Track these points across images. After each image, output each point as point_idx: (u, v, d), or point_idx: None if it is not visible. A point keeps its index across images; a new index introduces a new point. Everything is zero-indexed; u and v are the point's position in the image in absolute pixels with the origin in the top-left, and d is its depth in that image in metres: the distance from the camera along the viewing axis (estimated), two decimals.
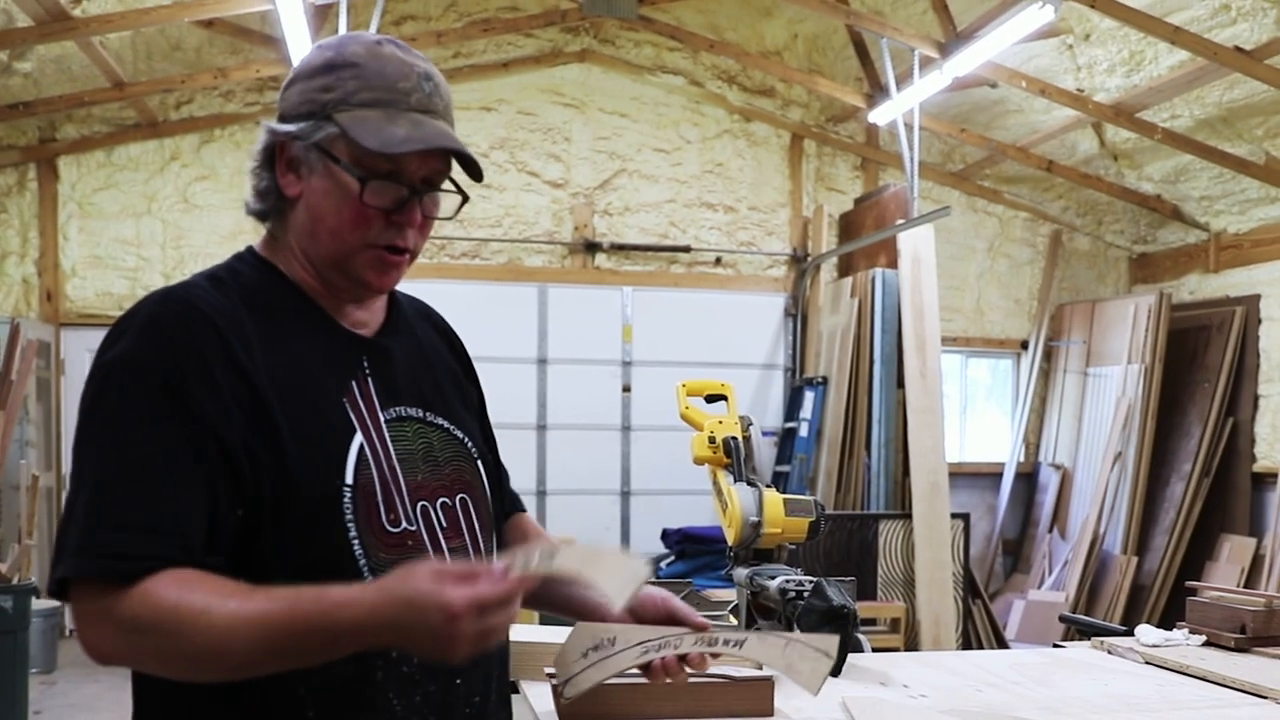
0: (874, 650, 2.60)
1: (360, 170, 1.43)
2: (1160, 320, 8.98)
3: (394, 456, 1.49)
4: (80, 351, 8.63)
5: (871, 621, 6.59)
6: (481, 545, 1.58)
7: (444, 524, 1.52)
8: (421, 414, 1.57)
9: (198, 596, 1.27)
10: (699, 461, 2.84)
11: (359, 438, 1.45)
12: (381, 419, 1.50)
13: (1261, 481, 8.46)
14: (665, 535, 7.08)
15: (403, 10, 8.51)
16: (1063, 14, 7.00)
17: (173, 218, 8.75)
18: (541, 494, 9.03)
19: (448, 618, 1.20)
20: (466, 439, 1.63)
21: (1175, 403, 8.97)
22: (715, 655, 1.59)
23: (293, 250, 1.51)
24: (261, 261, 1.53)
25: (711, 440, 2.80)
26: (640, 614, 1.64)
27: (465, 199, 1.55)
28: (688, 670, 1.59)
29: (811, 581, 2.35)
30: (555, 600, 1.72)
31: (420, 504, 1.49)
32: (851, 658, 2.22)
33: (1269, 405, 8.47)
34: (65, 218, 8.60)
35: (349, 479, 1.42)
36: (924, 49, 7.51)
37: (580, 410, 9.13)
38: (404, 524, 1.46)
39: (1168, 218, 9.50)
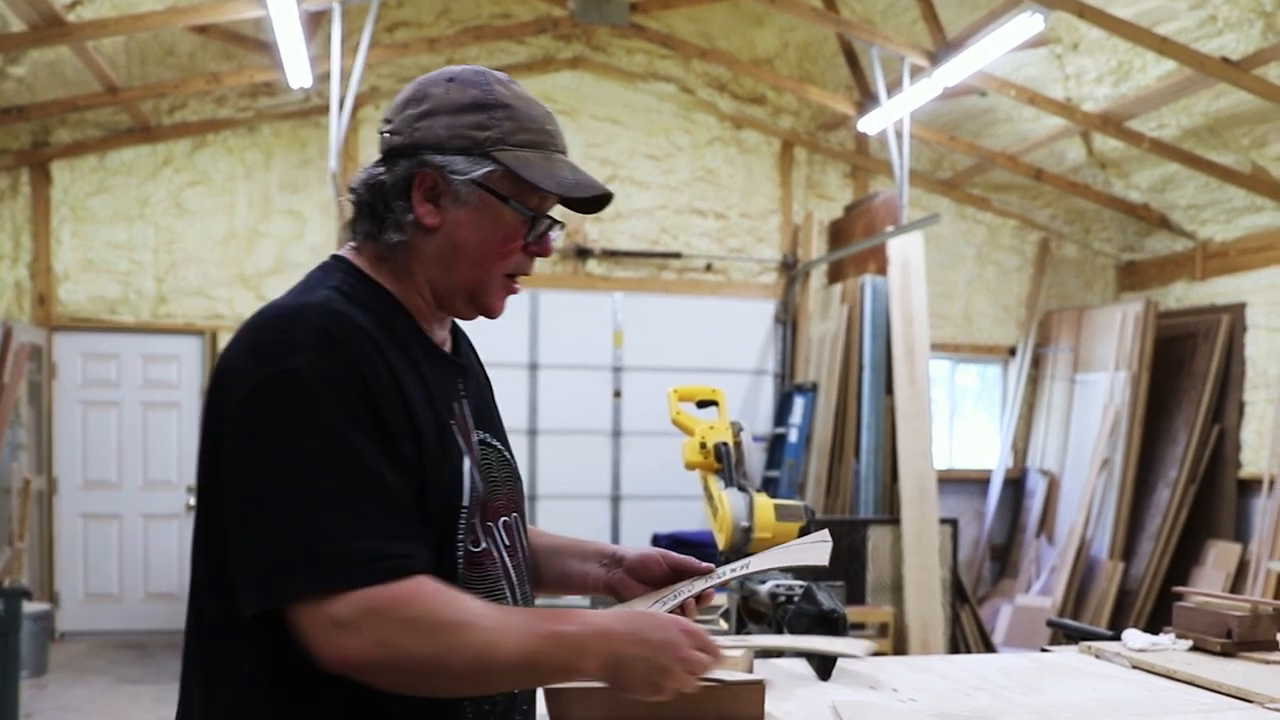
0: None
1: (523, 207, 1.52)
2: (1147, 328, 9.03)
3: (483, 481, 1.55)
4: (72, 355, 8.63)
5: (860, 626, 6.61)
6: (527, 562, 1.67)
7: (507, 543, 1.59)
8: (484, 436, 1.63)
9: (466, 601, 1.34)
10: (690, 466, 2.86)
11: (467, 460, 1.52)
12: (474, 441, 1.58)
13: (1247, 488, 8.51)
14: (656, 540, 7.10)
15: (396, 17, 8.52)
16: (1051, 24, 7.04)
17: (165, 222, 8.75)
18: (532, 499, 9.04)
19: (683, 629, 1.38)
20: (513, 459, 1.70)
21: (1162, 409, 9.02)
22: (725, 584, 1.68)
23: (412, 276, 1.54)
24: (367, 278, 1.54)
25: (703, 445, 2.82)
26: (644, 575, 1.70)
27: (563, 228, 1.62)
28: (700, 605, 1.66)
29: (801, 586, 2.38)
30: (550, 576, 1.80)
31: (488, 524, 1.56)
32: (841, 662, 2.25)
33: (1254, 412, 8.53)
34: (58, 222, 8.60)
35: (465, 501, 1.49)
36: (914, 58, 7.55)
37: (571, 415, 9.15)
38: (484, 544, 1.53)
39: (1155, 226, 9.55)
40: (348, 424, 1.34)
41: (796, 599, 2.34)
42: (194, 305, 8.82)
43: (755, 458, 9.15)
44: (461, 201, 1.50)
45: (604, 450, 9.31)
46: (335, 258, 1.58)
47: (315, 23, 7.53)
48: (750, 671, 2.02)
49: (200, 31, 7.67)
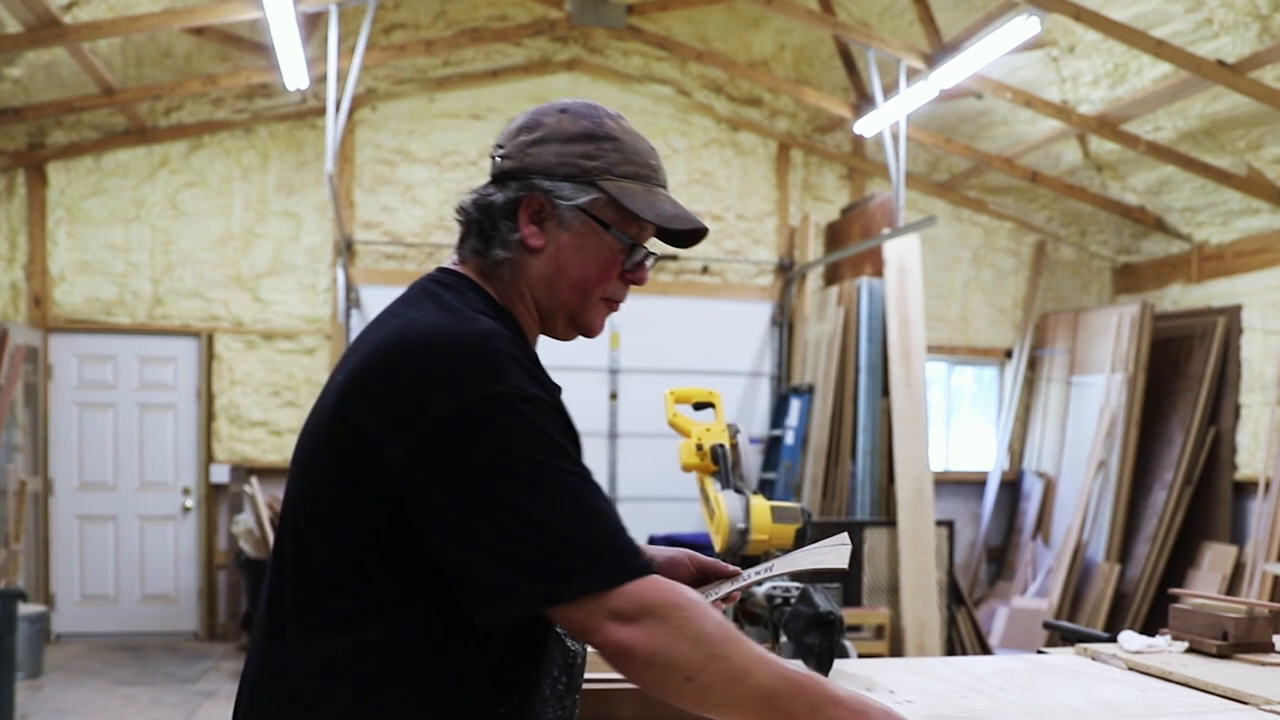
0: (859, 656, 2.62)
1: (624, 235, 1.60)
2: (1143, 330, 9.05)
3: None
4: (68, 356, 8.63)
5: (857, 628, 6.61)
6: None
7: None
8: None
9: (724, 621, 1.41)
10: (687, 468, 2.86)
11: None
12: None
13: (1243, 490, 8.52)
14: (652, 541, 7.07)
15: (392, 19, 8.52)
16: (1048, 26, 7.05)
17: (161, 224, 8.75)
18: None
19: (893, 715, 1.42)
20: None
21: (1158, 412, 9.03)
22: (749, 588, 1.72)
23: (521, 295, 1.62)
24: (492, 300, 1.61)
25: (699, 447, 2.82)
26: (670, 576, 1.70)
27: (656, 259, 1.69)
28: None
29: (798, 588, 2.38)
30: None
31: None
32: (838, 664, 2.25)
33: (1250, 415, 8.54)
34: (54, 223, 8.59)
35: None
36: (910, 60, 7.56)
37: None
38: None
39: (1151, 228, 9.56)
40: (561, 440, 1.44)
41: (793, 601, 2.34)
42: (190, 307, 8.81)
43: (752, 460, 9.15)
44: (565, 225, 1.58)
45: (600, 452, 9.31)
46: (450, 272, 1.63)
47: (312, 24, 7.53)
48: None
49: (196, 33, 7.67)
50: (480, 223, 1.60)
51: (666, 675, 1.38)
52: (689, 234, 1.66)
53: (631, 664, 1.38)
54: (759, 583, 1.66)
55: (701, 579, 1.72)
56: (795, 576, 1.64)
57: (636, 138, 1.63)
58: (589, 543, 1.39)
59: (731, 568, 1.71)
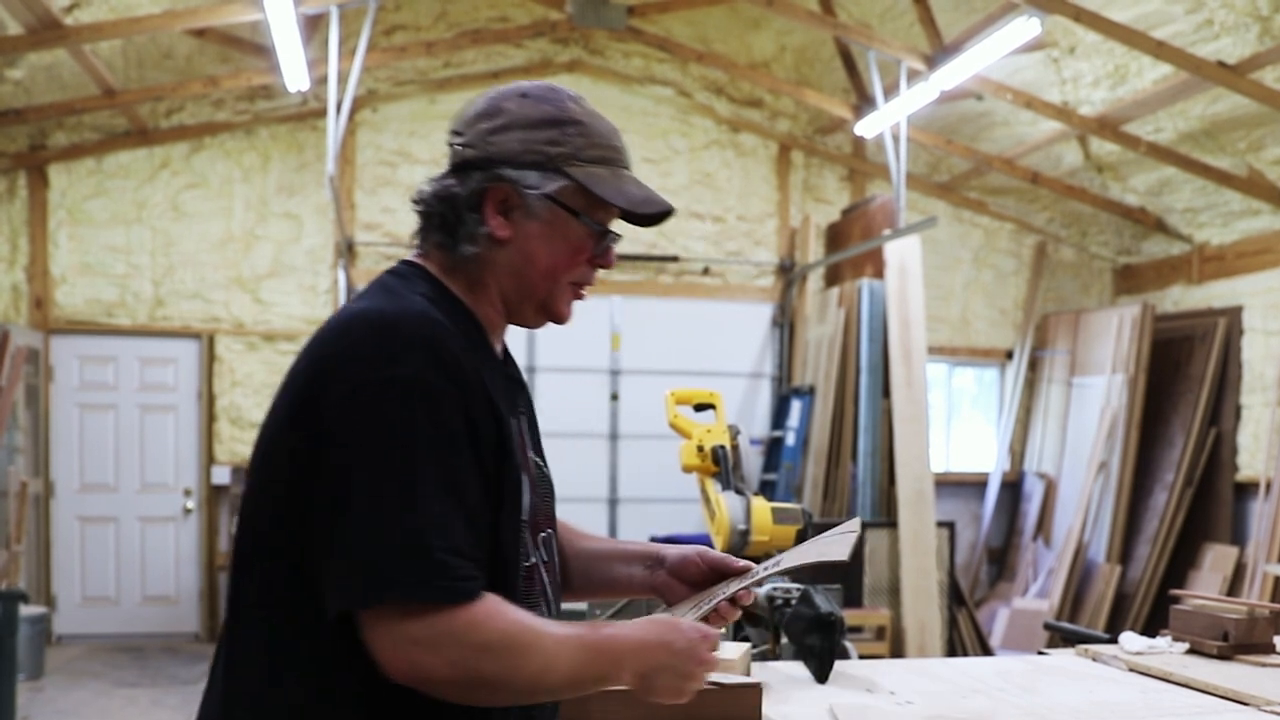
0: (860, 657, 2.63)
1: (592, 221, 1.57)
2: (1144, 331, 9.05)
3: (536, 495, 1.59)
4: (69, 358, 8.63)
5: (857, 629, 6.61)
6: (560, 576, 1.71)
7: (547, 558, 1.63)
8: (532, 452, 1.66)
9: (529, 620, 1.40)
10: (687, 470, 2.87)
11: (526, 477, 1.55)
12: (529, 457, 1.61)
13: (1244, 491, 8.51)
14: (653, 541, 7.09)
15: (393, 20, 8.53)
16: (1048, 28, 7.05)
17: (163, 225, 8.75)
18: None
19: (702, 635, 1.47)
20: (550, 474, 1.73)
21: (1159, 413, 9.03)
22: (760, 584, 1.70)
23: (485, 287, 1.58)
24: (445, 289, 1.57)
25: (700, 449, 2.83)
26: (683, 574, 1.73)
27: (619, 239, 1.67)
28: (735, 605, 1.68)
29: (799, 589, 2.38)
30: (598, 582, 1.83)
31: (536, 538, 1.60)
32: (839, 665, 2.25)
33: (1251, 416, 8.54)
34: (55, 225, 8.60)
35: (525, 515, 1.53)
36: (911, 61, 7.56)
37: (569, 418, 9.15)
38: (532, 558, 1.57)
39: (1151, 229, 9.56)
40: (446, 438, 1.38)
41: (794, 602, 2.35)
42: (191, 308, 8.82)
43: (752, 461, 9.16)
44: (533, 215, 1.55)
45: (601, 453, 9.32)
46: (410, 264, 1.60)
47: (313, 26, 7.53)
48: (748, 674, 2.03)
49: (198, 35, 7.67)
50: (443, 215, 1.56)
51: (472, 692, 1.38)
52: (654, 215, 1.62)
53: (431, 688, 1.36)
54: (772, 576, 1.65)
55: (716, 576, 1.70)
56: (805, 568, 1.61)
57: (599, 119, 1.61)
58: (414, 554, 1.33)
59: (743, 563, 1.70)
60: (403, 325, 1.42)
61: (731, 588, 1.62)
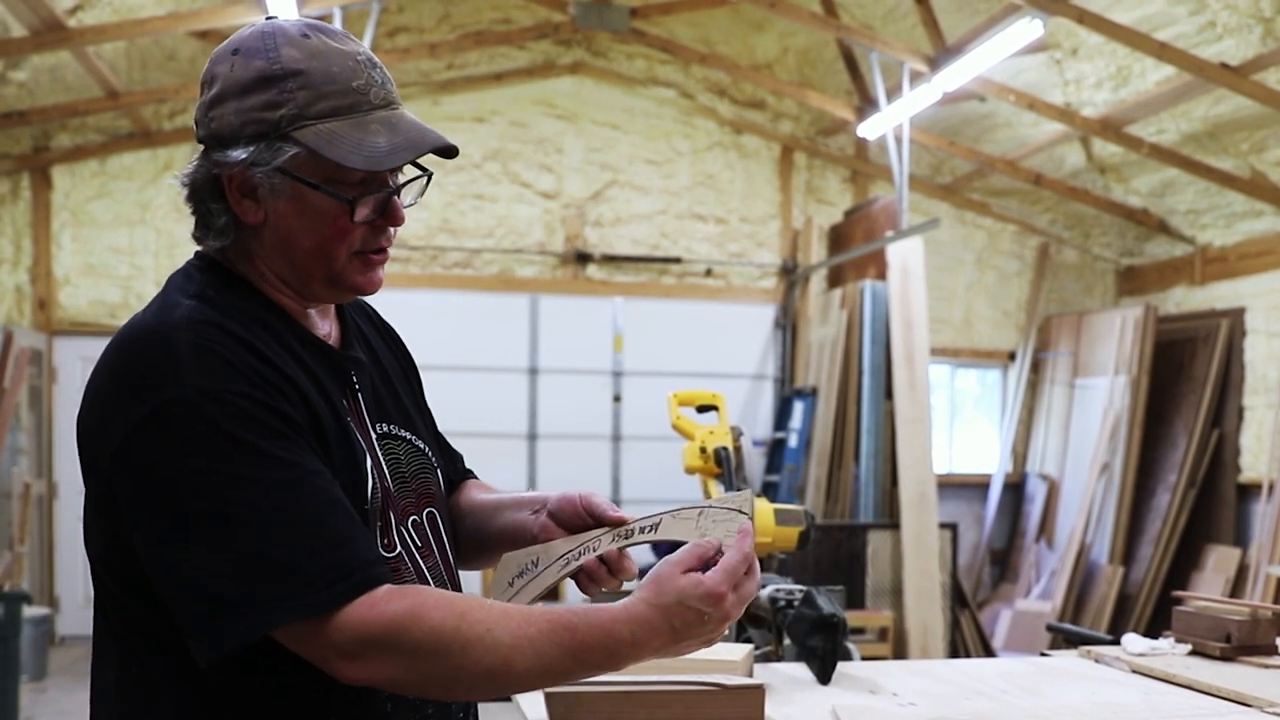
0: (862, 659, 2.63)
1: (340, 189, 1.34)
2: (1147, 332, 9.04)
3: (388, 478, 1.45)
4: (73, 359, 8.63)
5: (860, 630, 6.62)
6: (451, 559, 1.56)
7: (418, 543, 1.48)
8: (389, 428, 1.51)
9: (475, 614, 1.25)
10: (690, 471, 2.87)
11: (368, 459, 1.41)
12: (373, 437, 1.46)
13: (1246, 492, 8.51)
14: (655, 544, 7.09)
15: (396, 22, 8.54)
16: (1051, 29, 7.05)
17: (166, 226, 8.76)
18: None
19: (715, 600, 1.27)
20: (427, 449, 1.58)
21: (1162, 414, 9.02)
22: (636, 544, 1.53)
23: (261, 273, 1.41)
24: (235, 276, 1.41)
25: (703, 450, 2.83)
26: (561, 517, 1.57)
27: (430, 177, 1.46)
28: (613, 574, 1.54)
29: (801, 591, 2.39)
30: (489, 534, 1.66)
31: (400, 527, 1.45)
32: (841, 666, 2.26)
33: (1254, 417, 8.53)
34: (59, 226, 8.61)
35: (367, 503, 1.39)
36: (914, 63, 7.56)
37: (571, 420, 9.16)
38: (397, 547, 1.43)
39: (1154, 231, 9.56)
40: (258, 441, 1.25)
41: (796, 603, 2.35)
42: None
43: (755, 462, 9.16)
44: (278, 193, 1.34)
45: (604, 455, 9.32)
46: (198, 256, 1.44)
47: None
48: (750, 675, 2.03)
49: (201, 37, 7.69)
50: (193, 204, 1.39)
51: (428, 691, 1.31)
52: (442, 150, 1.39)
53: (389, 690, 1.30)
54: (644, 543, 1.51)
55: (593, 522, 1.55)
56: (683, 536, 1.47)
57: (329, 57, 1.34)
58: (286, 565, 1.21)
59: (617, 514, 1.53)
60: (168, 340, 1.27)
61: (603, 543, 1.52)
